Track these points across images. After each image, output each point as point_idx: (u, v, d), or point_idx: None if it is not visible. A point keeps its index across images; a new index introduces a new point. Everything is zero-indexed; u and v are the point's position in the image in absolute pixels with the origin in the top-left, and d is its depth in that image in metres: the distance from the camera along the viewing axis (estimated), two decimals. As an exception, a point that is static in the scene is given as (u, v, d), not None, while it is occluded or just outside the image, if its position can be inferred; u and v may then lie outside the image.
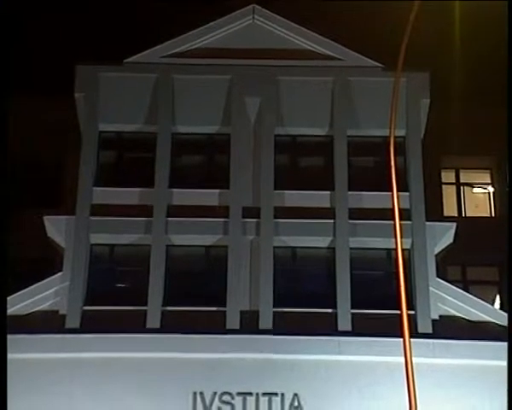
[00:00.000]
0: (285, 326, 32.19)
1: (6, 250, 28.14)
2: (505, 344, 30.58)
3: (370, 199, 33.41)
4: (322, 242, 33.84)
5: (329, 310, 32.82)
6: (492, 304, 35.22)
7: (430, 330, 32.10)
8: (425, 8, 24.72)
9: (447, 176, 39.14)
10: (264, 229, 33.61)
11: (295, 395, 31.14)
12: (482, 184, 39.31)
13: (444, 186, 38.86)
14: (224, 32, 36.33)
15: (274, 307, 32.66)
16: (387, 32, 31.90)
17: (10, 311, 31.85)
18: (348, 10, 40.09)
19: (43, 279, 32.98)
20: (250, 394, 31.19)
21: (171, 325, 32.15)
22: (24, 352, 31.01)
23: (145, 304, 32.62)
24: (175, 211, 33.93)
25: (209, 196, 34.34)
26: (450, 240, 33.94)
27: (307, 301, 33.09)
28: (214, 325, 32.10)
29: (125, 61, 35.70)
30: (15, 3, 42.13)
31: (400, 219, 23.36)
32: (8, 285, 32.12)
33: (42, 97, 36.43)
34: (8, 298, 31.90)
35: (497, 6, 33.83)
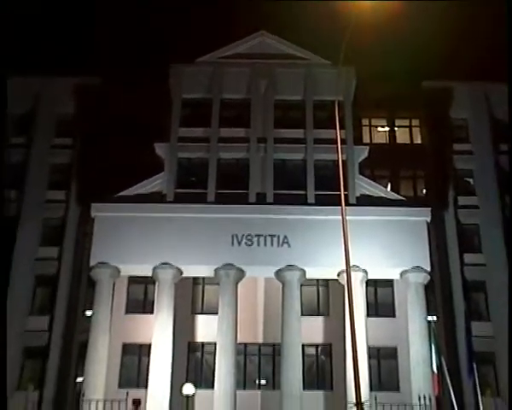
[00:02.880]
0: (280, 200, 32.45)
1: None
2: (393, 208, 30.59)
3: (325, 133, 33.05)
4: (300, 156, 33.95)
5: (303, 192, 33.07)
6: (386, 187, 34.92)
7: (355, 202, 32.57)
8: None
9: (364, 121, 38.69)
10: (268, 150, 33.93)
11: (285, 236, 31.42)
12: (383, 125, 38.74)
13: (363, 127, 38.54)
14: (247, 45, 36.08)
15: (274, 190, 32.97)
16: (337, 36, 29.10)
17: (136, 192, 32.40)
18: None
19: (154, 176, 33.27)
20: (261, 235, 31.48)
21: (221, 199, 32.49)
22: (144, 212, 31.58)
23: (206, 188, 33.01)
24: (221, 140, 34.02)
25: (239, 132, 34.29)
26: (366, 155, 34.36)
27: (291, 186, 33.17)
28: (242, 200, 32.49)
29: (196, 60, 35.58)
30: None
31: (341, 144, 23.60)
32: (135, 180, 31.90)
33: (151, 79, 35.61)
34: (135, 186, 32.25)
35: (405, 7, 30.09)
